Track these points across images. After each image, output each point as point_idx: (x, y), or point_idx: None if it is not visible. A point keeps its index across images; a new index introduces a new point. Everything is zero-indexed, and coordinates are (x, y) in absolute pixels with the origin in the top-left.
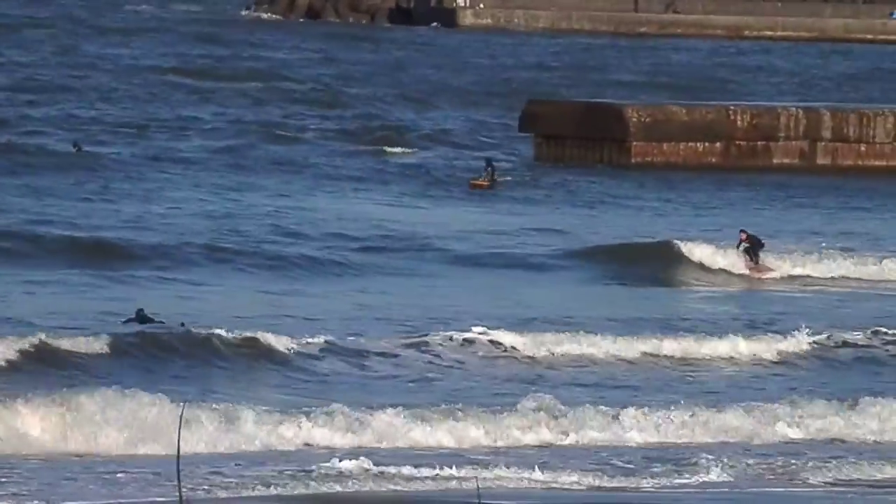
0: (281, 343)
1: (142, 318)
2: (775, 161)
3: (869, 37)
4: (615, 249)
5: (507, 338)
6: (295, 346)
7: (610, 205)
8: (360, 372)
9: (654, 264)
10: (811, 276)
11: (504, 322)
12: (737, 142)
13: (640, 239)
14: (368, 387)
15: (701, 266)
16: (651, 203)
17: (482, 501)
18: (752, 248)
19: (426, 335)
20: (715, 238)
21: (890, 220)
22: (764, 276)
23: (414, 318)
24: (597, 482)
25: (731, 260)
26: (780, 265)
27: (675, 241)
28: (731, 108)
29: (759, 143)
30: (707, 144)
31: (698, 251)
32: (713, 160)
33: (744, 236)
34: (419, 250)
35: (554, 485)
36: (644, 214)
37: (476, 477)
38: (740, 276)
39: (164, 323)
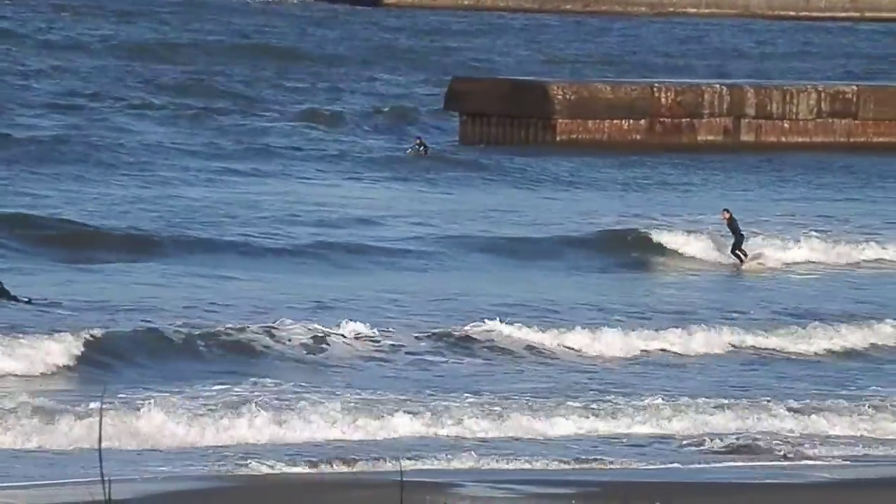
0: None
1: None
2: (700, 138)
3: (792, 13)
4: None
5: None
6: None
7: (547, 185)
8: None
9: (637, 254)
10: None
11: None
12: (661, 119)
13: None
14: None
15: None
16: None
17: (405, 479)
18: (735, 243)
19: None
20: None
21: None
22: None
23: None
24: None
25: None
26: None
27: (649, 231)
28: (656, 85)
29: (683, 120)
30: (632, 122)
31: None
32: (638, 137)
33: (726, 216)
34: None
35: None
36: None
37: (398, 457)
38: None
39: (16, 298)
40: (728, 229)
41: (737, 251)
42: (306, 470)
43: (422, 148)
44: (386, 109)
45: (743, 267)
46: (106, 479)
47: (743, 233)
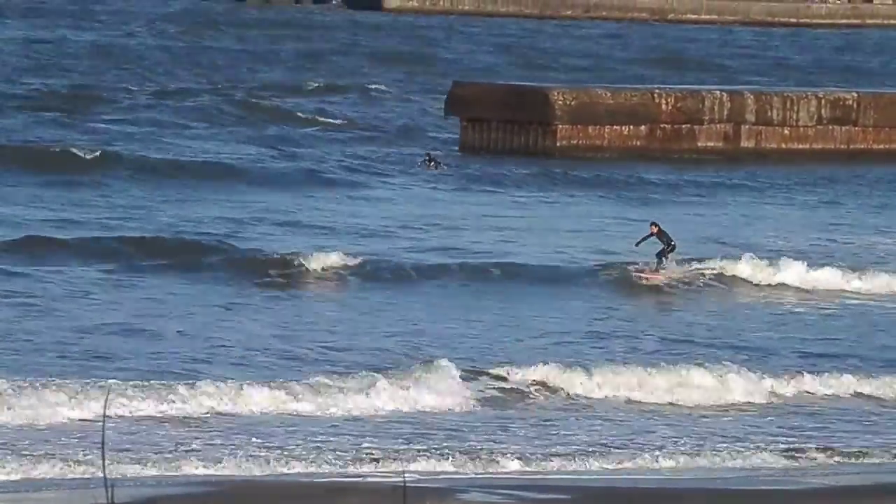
0: None
1: None
2: (700, 144)
3: (793, 20)
4: None
5: None
6: None
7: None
8: None
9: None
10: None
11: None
12: (662, 125)
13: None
14: None
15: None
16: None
17: (407, 483)
18: (662, 250)
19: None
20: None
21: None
22: (651, 280)
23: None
24: None
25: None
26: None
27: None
28: (656, 91)
29: (683, 126)
30: (632, 127)
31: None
32: (638, 143)
33: (655, 229)
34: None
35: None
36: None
37: (403, 465)
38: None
39: None
40: (660, 241)
41: (664, 256)
42: (307, 478)
43: (432, 163)
44: (387, 115)
45: (648, 277)
46: (109, 483)
47: (674, 243)
